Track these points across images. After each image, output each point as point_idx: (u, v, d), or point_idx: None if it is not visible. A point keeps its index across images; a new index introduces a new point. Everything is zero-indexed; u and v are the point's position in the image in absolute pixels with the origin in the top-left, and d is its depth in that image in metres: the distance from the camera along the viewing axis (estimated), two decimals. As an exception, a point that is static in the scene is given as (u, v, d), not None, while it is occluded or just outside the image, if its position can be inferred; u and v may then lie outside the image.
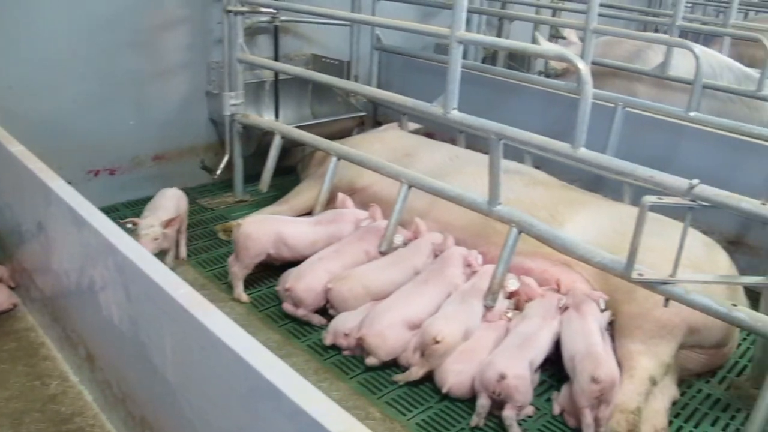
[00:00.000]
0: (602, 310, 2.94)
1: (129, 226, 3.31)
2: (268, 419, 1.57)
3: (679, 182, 2.37)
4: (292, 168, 4.90)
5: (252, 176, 4.43)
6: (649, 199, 2.34)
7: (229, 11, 4.13)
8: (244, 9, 4.16)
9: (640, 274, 2.48)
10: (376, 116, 5.52)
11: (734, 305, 2.39)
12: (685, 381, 3.09)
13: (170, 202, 3.67)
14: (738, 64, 4.73)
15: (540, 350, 2.79)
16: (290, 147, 5.03)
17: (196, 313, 1.78)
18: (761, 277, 2.54)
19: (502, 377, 2.58)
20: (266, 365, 1.55)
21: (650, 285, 2.48)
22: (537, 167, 4.02)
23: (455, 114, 2.98)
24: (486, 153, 3.73)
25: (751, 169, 3.62)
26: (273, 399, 1.50)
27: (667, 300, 2.51)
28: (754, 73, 4.54)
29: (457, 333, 2.82)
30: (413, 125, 4.71)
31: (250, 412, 1.63)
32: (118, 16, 4.06)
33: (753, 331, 2.37)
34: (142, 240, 3.26)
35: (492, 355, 2.74)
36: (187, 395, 1.93)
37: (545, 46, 2.63)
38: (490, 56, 6.27)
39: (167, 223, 3.44)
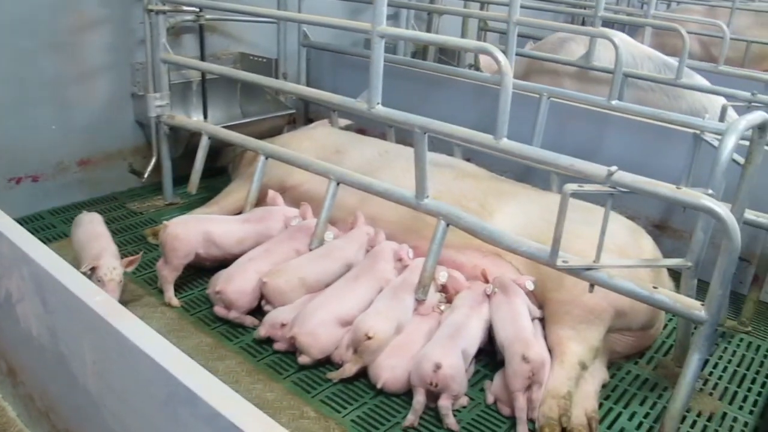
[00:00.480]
0: (531, 294, 2.99)
1: (86, 272, 3.04)
2: (187, 425, 1.53)
3: (599, 170, 2.41)
4: (224, 169, 4.83)
5: (182, 178, 4.34)
6: (570, 187, 2.38)
7: (151, 10, 4.03)
8: (166, 8, 4.07)
9: (564, 261, 2.52)
10: (307, 114, 5.49)
11: (655, 288, 2.46)
12: (614, 363, 3.16)
13: (102, 227, 3.48)
14: (658, 54, 4.85)
15: (472, 339, 2.81)
16: (220, 148, 4.97)
17: (112, 321, 1.73)
18: (680, 260, 2.61)
19: (438, 367, 2.59)
20: (183, 370, 1.51)
21: (575, 271, 2.52)
22: (468, 160, 4.06)
23: (380, 109, 2.98)
24: (405, 139, 3.79)
25: (672, 156, 3.72)
26: (191, 404, 1.47)
27: (592, 285, 2.55)
28: (673, 62, 4.66)
29: (388, 328, 2.82)
30: (344, 122, 4.68)
31: (170, 419, 1.59)
32: (33, 17, 3.92)
33: (673, 311, 2.43)
34: (107, 286, 3.01)
35: (425, 347, 2.74)
36: (109, 405, 1.87)
37: (467, 39, 2.64)
38: (421, 51, 6.30)
39: (128, 263, 3.22)
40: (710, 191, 2.44)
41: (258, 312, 3.26)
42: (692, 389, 2.39)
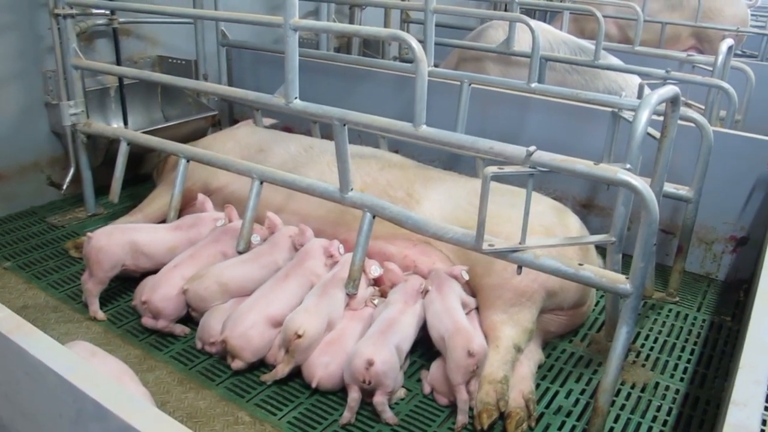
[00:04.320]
0: (465, 284, 2.98)
1: None
2: (99, 441, 1.45)
3: (518, 151, 2.41)
4: (149, 176, 4.70)
5: (104, 188, 4.16)
6: (491, 169, 2.37)
7: (58, 14, 3.87)
8: (74, 12, 3.92)
9: (490, 245, 2.51)
10: (232, 115, 5.39)
11: (581, 265, 2.47)
12: (549, 343, 3.18)
13: None
14: (573, 38, 4.94)
15: (405, 335, 2.78)
16: (144, 154, 4.83)
17: (15, 338, 1.63)
18: (604, 236, 2.64)
19: (370, 364, 2.55)
20: (90, 384, 1.43)
21: (501, 254, 2.52)
22: (396, 152, 4.04)
23: (297, 103, 2.92)
24: (328, 134, 3.73)
25: (593, 135, 3.77)
26: (101, 419, 1.39)
27: (519, 267, 2.56)
28: (589, 45, 4.75)
29: (318, 325, 2.77)
30: (269, 121, 4.60)
31: (81, 436, 1.51)
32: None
33: (599, 286, 2.45)
34: None
35: (357, 344, 2.70)
36: (20, 427, 1.77)
37: (380, 28, 2.61)
38: (345, 46, 6.25)
39: None
40: (628, 166, 2.46)
41: (189, 319, 3.17)
42: (622, 362, 2.42)
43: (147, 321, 3.13)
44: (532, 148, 2.35)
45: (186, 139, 4.05)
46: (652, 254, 3.23)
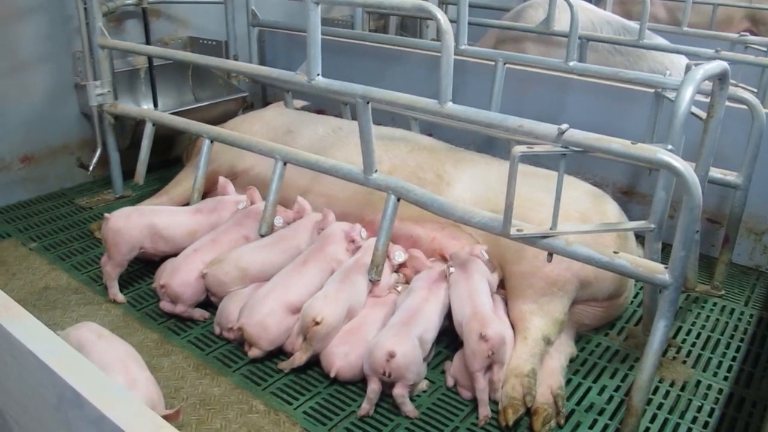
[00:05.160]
0: (487, 262, 2.83)
1: None
2: (78, 428, 1.35)
3: (549, 129, 2.25)
4: (179, 159, 4.64)
5: (134, 171, 4.09)
6: (519, 148, 2.21)
7: (84, -7, 3.82)
8: (100, -10, 3.86)
9: (518, 230, 2.35)
10: (265, 97, 5.31)
11: (616, 253, 2.30)
12: (583, 336, 3.01)
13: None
14: (617, 17, 4.72)
15: (429, 324, 2.64)
16: (174, 137, 4.78)
17: (2, 320, 1.54)
18: (643, 222, 2.46)
19: (391, 356, 2.42)
20: (70, 370, 1.33)
21: (530, 240, 2.36)
22: (430, 135, 3.88)
23: (320, 80, 2.80)
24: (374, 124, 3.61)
25: (634, 117, 3.57)
26: (78, 406, 1.30)
27: (550, 254, 2.40)
28: (633, 25, 4.52)
29: (338, 312, 2.64)
30: (300, 103, 4.49)
31: (62, 423, 1.42)
32: (-44, 8, 3.70)
33: (635, 276, 2.28)
34: None
35: (378, 334, 2.57)
36: (12, 412, 1.69)
37: (403, 0, 2.46)
38: (382, 28, 6.11)
39: None
40: (669, 147, 2.28)
41: (209, 304, 3.09)
42: (659, 357, 2.25)
43: (165, 305, 3.05)
44: (564, 126, 2.19)
45: (216, 122, 3.96)
46: (694, 243, 3.05)
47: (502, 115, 2.38)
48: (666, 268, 2.21)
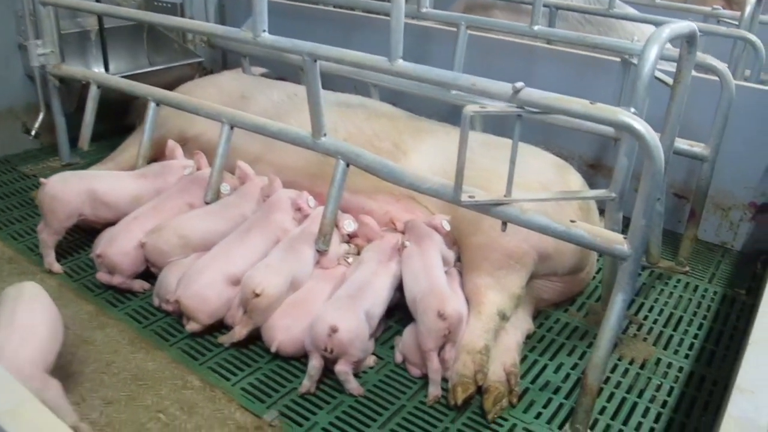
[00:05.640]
0: (447, 235, 2.69)
1: None
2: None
3: (504, 87, 2.10)
4: (134, 126, 4.42)
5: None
6: (471, 108, 2.06)
7: (24, -54, 3.59)
8: (43, -56, 3.63)
9: (470, 197, 2.21)
10: (225, 64, 5.09)
11: (573, 221, 2.17)
12: (542, 312, 2.89)
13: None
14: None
15: (378, 298, 2.50)
16: (129, 103, 4.56)
17: None
18: (603, 191, 2.33)
19: (333, 331, 2.27)
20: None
21: (483, 207, 2.22)
22: (393, 104, 3.71)
23: (266, 37, 2.63)
24: (329, 90, 3.44)
25: (602, 86, 3.43)
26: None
27: (504, 224, 2.26)
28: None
29: (280, 284, 2.49)
30: (259, 70, 4.31)
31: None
32: None
33: (593, 247, 2.15)
34: None
35: (322, 307, 2.42)
36: None
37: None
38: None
39: None
40: (632, 110, 2.14)
41: (150, 275, 2.92)
42: (616, 333, 2.13)
43: (102, 276, 2.87)
44: (519, 84, 2.04)
45: (170, 88, 3.75)
46: (658, 215, 2.94)
47: (454, 73, 2.24)
48: (625, 238, 2.08)
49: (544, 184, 2.77)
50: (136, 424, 2.25)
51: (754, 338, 1.64)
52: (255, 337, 2.58)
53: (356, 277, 2.55)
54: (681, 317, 2.93)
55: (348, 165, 2.59)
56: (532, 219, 2.17)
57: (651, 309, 2.97)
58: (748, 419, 1.36)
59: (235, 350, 2.57)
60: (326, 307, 2.39)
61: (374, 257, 2.63)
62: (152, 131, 3.29)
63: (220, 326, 2.65)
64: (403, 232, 2.73)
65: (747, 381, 1.46)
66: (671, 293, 3.09)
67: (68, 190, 2.97)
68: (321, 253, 2.69)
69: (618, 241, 2.09)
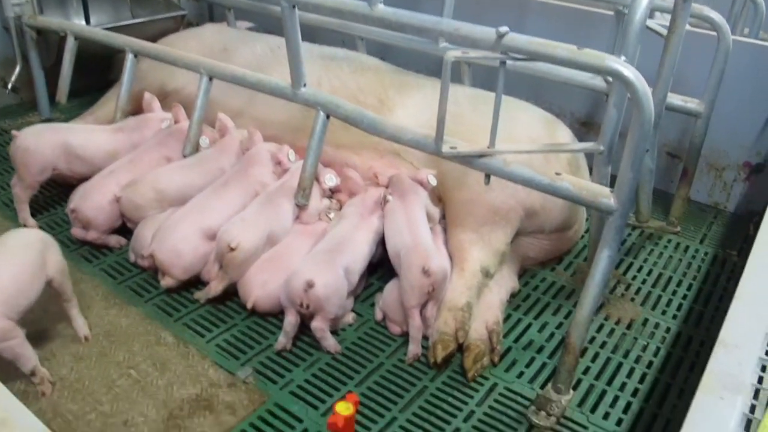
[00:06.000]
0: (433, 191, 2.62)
1: None
2: None
3: (487, 33, 1.99)
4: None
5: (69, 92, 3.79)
6: (453, 54, 1.96)
7: None
8: None
9: (452, 148, 2.12)
10: (211, 18, 4.95)
11: (558, 174, 2.08)
12: (528, 271, 2.82)
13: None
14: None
15: (358, 254, 2.42)
16: (113, 57, 4.43)
17: None
18: (591, 144, 2.24)
19: (309, 286, 2.20)
20: None
21: (465, 159, 2.13)
22: (382, 59, 3.60)
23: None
24: (311, 42, 3.33)
25: (595, 43, 3.30)
26: None
27: (487, 176, 2.17)
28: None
29: (256, 238, 2.41)
30: (244, 24, 4.18)
31: None
32: None
33: (578, 200, 2.06)
34: None
35: (299, 262, 2.35)
36: None
37: None
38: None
39: None
40: (622, 57, 2.05)
41: (128, 231, 2.83)
42: (601, 291, 2.05)
43: (77, 232, 2.80)
44: (503, 29, 1.93)
45: (153, 41, 3.62)
46: (648, 172, 2.86)
47: (436, 18, 2.13)
48: (612, 192, 2.00)
49: (532, 138, 2.69)
50: (106, 380, 2.19)
51: (739, 293, 1.57)
52: (232, 294, 2.51)
53: (336, 232, 2.47)
54: (670, 278, 2.86)
55: (328, 117, 2.50)
56: (516, 171, 2.08)
57: (640, 269, 2.90)
58: (730, 375, 1.30)
59: (210, 307, 2.50)
60: (304, 262, 2.32)
61: (355, 212, 2.55)
62: (131, 83, 3.19)
63: (197, 282, 2.58)
64: (386, 187, 2.64)
65: (731, 336, 1.40)
66: (661, 253, 3.02)
67: (41, 143, 2.88)
68: (301, 208, 2.61)
69: (604, 195, 2.00)
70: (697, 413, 1.28)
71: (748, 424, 1.36)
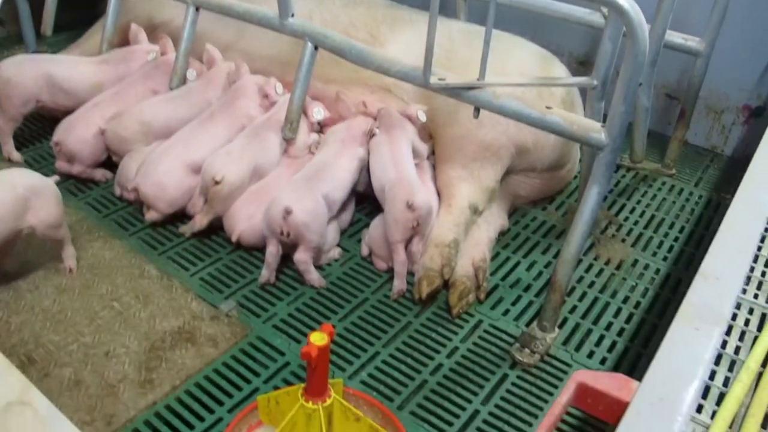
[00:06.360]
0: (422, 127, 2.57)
1: None
2: None
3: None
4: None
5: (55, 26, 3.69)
6: (442, -21, 1.89)
7: None
8: None
9: (441, 79, 2.06)
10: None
11: (548, 107, 2.03)
12: (519, 210, 2.79)
13: None
14: None
15: (338, 181, 2.38)
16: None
17: None
18: (585, 78, 2.18)
19: (288, 212, 2.16)
20: None
21: (454, 92, 2.07)
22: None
23: None
24: None
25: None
26: None
27: (476, 110, 2.11)
28: None
29: (241, 171, 2.37)
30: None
31: None
32: None
33: (568, 135, 2.01)
34: None
35: (279, 190, 2.31)
36: None
37: None
38: None
39: None
40: (618, -12, 1.96)
41: (114, 165, 2.79)
42: (589, 228, 2.01)
43: (61, 165, 2.75)
44: (495, -45, 1.85)
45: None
46: (644, 110, 2.80)
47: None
48: (603, 126, 1.95)
49: (525, 74, 2.62)
50: (89, 311, 2.18)
51: (724, 227, 1.54)
52: (217, 228, 2.49)
53: (316, 159, 2.44)
54: (663, 219, 2.83)
55: (316, 48, 2.43)
56: (506, 104, 2.02)
57: (632, 210, 2.87)
58: (708, 306, 1.28)
59: (195, 240, 2.48)
60: (283, 189, 2.28)
61: (338, 138, 2.50)
62: (117, 13, 3.11)
63: (182, 216, 2.55)
64: (375, 118, 2.58)
65: (712, 267, 1.37)
66: (654, 195, 2.98)
67: (24, 74, 2.82)
68: (288, 141, 2.56)
69: (595, 130, 1.95)
70: (671, 343, 1.26)
71: (718, 358, 1.35)
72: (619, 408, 1.23)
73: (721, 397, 1.32)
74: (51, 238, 2.23)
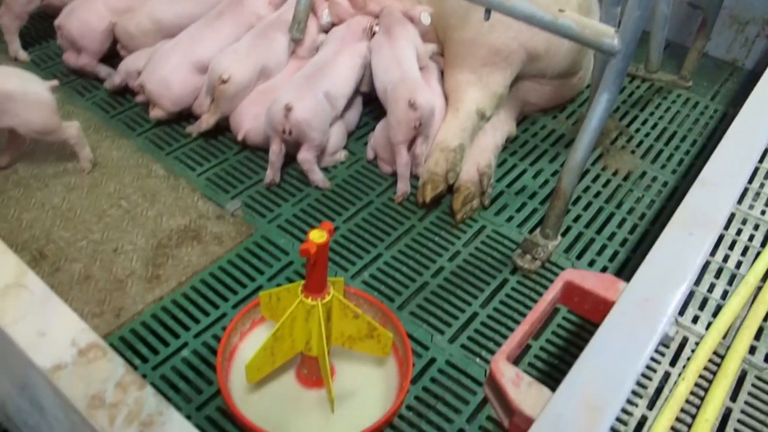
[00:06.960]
0: (426, 29, 2.52)
1: None
2: None
3: None
4: None
5: None
6: None
7: None
8: None
9: (450, -22, 2.00)
10: None
11: (561, 11, 1.97)
12: (528, 117, 2.76)
13: None
14: None
15: (339, 78, 2.34)
16: None
17: None
18: (601, -20, 2.10)
19: (288, 109, 2.15)
20: None
21: (464, -8, 2.01)
22: None
23: None
24: None
25: None
26: None
27: (487, 11, 2.06)
28: None
29: (248, 70, 2.34)
30: None
31: None
32: None
33: (580, 39, 1.95)
34: None
35: (280, 90, 2.29)
36: None
37: None
38: None
39: None
40: None
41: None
42: (596, 136, 1.99)
43: (69, 57, 2.72)
44: None
45: None
46: (663, 17, 2.71)
47: None
48: (616, 32, 1.89)
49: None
50: (97, 210, 2.21)
51: (729, 135, 1.52)
52: (224, 128, 2.49)
53: (317, 58, 2.40)
54: (675, 132, 2.79)
55: (325, -57, 2.36)
56: (516, 5, 1.96)
57: (645, 122, 2.82)
58: (703, 212, 1.27)
59: (202, 140, 2.48)
60: (284, 88, 2.26)
61: (338, 37, 2.46)
62: None
63: (189, 116, 2.55)
64: (376, 17, 2.53)
65: (712, 174, 1.36)
66: (668, 108, 2.93)
67: (26, -31, 2.76)
68: (296, 42, 2.52)
69: (608, 34, 1.89)
70: (663, 246, 1.27)
71: (706, 265, 1.35)
72: (605, 307, 1.25)
73: (704, 302, 1.34)
74: (45, 141, 2.23)
